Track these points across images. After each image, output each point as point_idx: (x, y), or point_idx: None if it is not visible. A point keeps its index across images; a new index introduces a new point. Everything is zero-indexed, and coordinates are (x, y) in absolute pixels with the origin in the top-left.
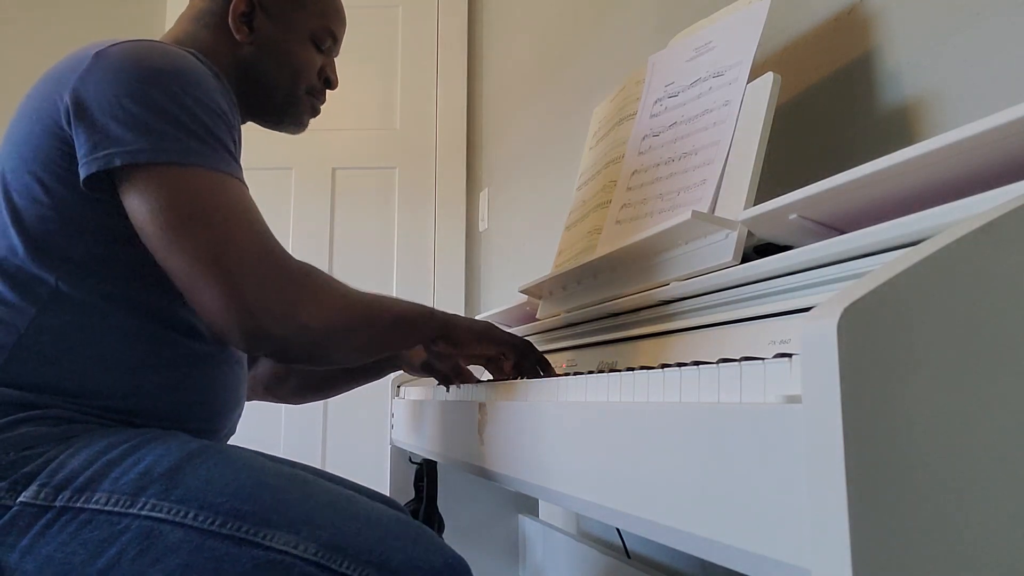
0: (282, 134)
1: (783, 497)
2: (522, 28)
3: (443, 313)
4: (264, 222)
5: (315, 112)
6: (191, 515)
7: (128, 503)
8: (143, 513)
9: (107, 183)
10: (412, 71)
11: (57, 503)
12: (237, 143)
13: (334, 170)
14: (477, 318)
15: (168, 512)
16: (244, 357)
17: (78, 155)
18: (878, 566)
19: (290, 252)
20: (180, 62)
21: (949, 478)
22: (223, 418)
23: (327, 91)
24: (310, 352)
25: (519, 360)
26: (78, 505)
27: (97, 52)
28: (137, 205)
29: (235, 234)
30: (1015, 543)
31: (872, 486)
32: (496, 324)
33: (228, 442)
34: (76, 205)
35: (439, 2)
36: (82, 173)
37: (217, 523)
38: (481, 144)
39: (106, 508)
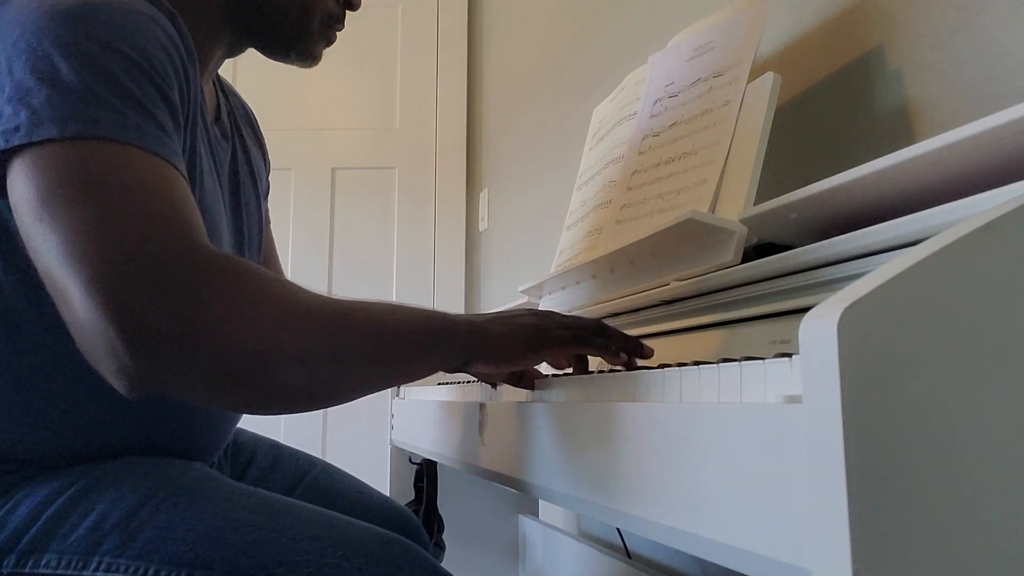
0: (280, 134)
1: (783, 497)
2: (522, 28)
3: (469, 323)
4: (181, 206)
5: (330, 42)
6: (151, 571)
7: (81, 564)
8: (98, 574)
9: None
10: (412, 71)
11: (3, 570)
12: (173, 105)
13: (334, 170)
14: (524, 309)
15: (126, 570)
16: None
17: None
18: (878, 566)
19: (289, 253)
20: (97, 1)
21: (950, 478)
22: (194, 459)
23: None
24: (234, 395)
25: (596, 351)
26: (26, 571)
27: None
28: (13, 197)
29: (120, 212)
30: (1016, 543)
31: (872, 486)
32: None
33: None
34: None
35: (439, 2)
36: None
37: None
38: (481, 144)
39: (57, 572)
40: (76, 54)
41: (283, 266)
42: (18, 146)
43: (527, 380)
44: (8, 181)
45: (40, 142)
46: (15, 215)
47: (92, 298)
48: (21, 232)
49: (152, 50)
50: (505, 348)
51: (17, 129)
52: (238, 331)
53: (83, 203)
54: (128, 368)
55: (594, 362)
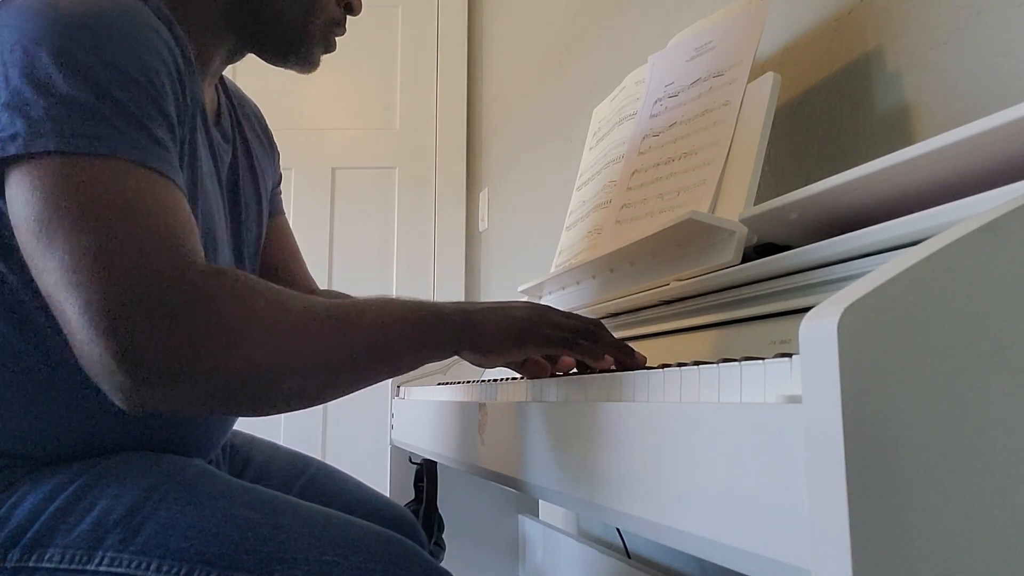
0: (280, 134)
1: (783, 497)
2: (522, 28)
3: (461, 313)
4: (177, 226)
5: (329, 48)
6: (154, 566)
7: (84, 559)
8: (102, 569)
9: None
10: (412, 71)
11: (7, 564)
12: (170, 118)
13: (334, 170)
14: (520, 302)
15: (129, 565)
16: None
17: None
18: (878, 566)
19: None
20: (97, 10)
21: (949, 478)
22: (192, 455)
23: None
24: (231, 407)
25: (581, 355)
26: (30, 565)
27: None
28: (12, 208)
29: (116, 237)
30: (1016, 544)
31: (872, 486)
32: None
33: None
34: None
35: (439, 2)
36: None
37: (183, 573)
38: (481, 144)
39: (61, 567)
40: (75, 68)
41: None
42: (14, 156)
43: (527, 367)
44: (6, 191)
45: (38, 154)
46: (14, 228)
47: (88, 322)
48: (21, 246)
49: (150, 62)
50: (493, 340)
51: (14, 138)
52: (228, 354)
53: (81, 226)
54: (125, 389)
55: None
